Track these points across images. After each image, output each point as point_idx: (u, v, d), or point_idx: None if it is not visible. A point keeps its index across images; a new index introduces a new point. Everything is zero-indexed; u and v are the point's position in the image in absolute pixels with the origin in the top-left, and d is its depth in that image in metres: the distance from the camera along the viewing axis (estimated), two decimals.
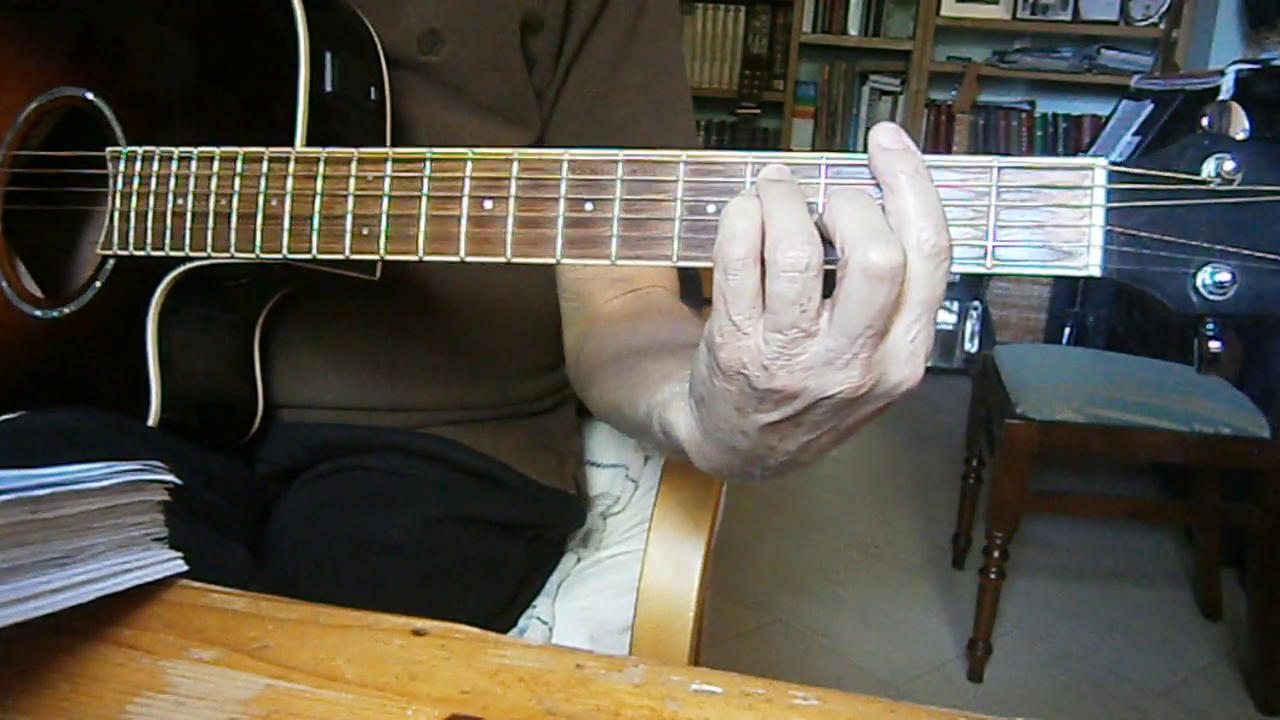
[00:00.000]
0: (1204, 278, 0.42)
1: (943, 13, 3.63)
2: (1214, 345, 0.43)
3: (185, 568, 0.49)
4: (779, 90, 3.83)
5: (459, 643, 0.45)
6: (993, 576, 1.83)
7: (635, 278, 0.76)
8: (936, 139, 3.77)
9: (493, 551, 0.76)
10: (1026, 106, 3.72)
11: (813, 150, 3.84)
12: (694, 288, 0.81)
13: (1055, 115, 3.69)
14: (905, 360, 0.43)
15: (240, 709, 0.41)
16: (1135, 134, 2.84)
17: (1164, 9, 3.39)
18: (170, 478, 0.48)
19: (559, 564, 0.86)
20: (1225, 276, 0.42)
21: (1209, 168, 0.42)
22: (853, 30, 3.78)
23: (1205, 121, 0.43)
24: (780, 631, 2.00)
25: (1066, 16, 3.56)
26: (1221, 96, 2.26)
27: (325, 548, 0.69)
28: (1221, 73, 2.29)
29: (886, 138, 0.45)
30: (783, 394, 0.44)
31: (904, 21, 3.75)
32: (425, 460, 0.77)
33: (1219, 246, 0.42)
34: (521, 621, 0.79)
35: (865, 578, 2.23)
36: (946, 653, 1.95)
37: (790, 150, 3.81)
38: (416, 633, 0.46)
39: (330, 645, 0.45)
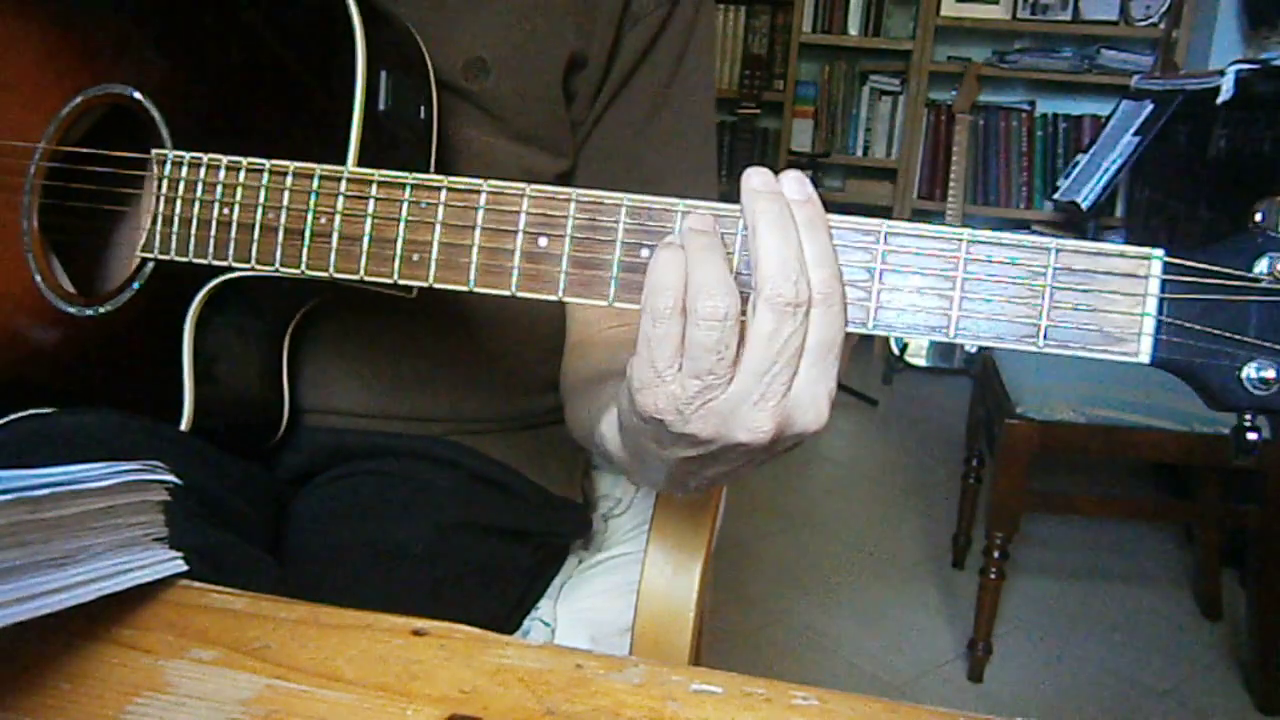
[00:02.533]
0: (1249, 372, 0.43)
1: (943, 13, 3.63)
2: (1251, 436, 0.45)
3: (185, 568, 0.49)
4: (779, 90, 3.83)
5: (459, 643, 0.45)
6: (993, 576, 1.83)
7: None
8: (936, 139, 3.77)
9: (501, 557, 0.76)
10: (1026, 106, 3.72)
11: (812, 150, 3.84)
12: None
13: (1055, 115, 3.69)
14: (810, 404, 0.46)
15: (240, 709, 0.41)
16: (1135, 134, 2.85)
17: (1164, 9, 3.39)
18: (171, 477, 0.48)
19: (561, 566, 0.86)
20: (1271, 374, 0.43)
21: (1261, 266, 0.43)
22: (853, 30, 3.78)
23: (1259, 217, 0.44)
24: (780, 631, 2.00)
25: (1066, 16, 3.56)
26: (1221, 97, 2.26)
27: (337, 551, 0.69)
28: (1221, 73, 2.30)
29: (791, 188, 0.46)
30: (695, 439, 0.46)
31: (904, 21, 3.75)
32: (439, 466, 0.77)
33: (1267, 344, 0.43)
34: (524, 624, 0.79)
35: (865, 578, 2.23)
36: (946, 653, 1.95)
37: (790, 151, 3.81)
38: (416, 633, 0.46)
39: (330, 645, 0.45)
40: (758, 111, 3.53)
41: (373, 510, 0.72)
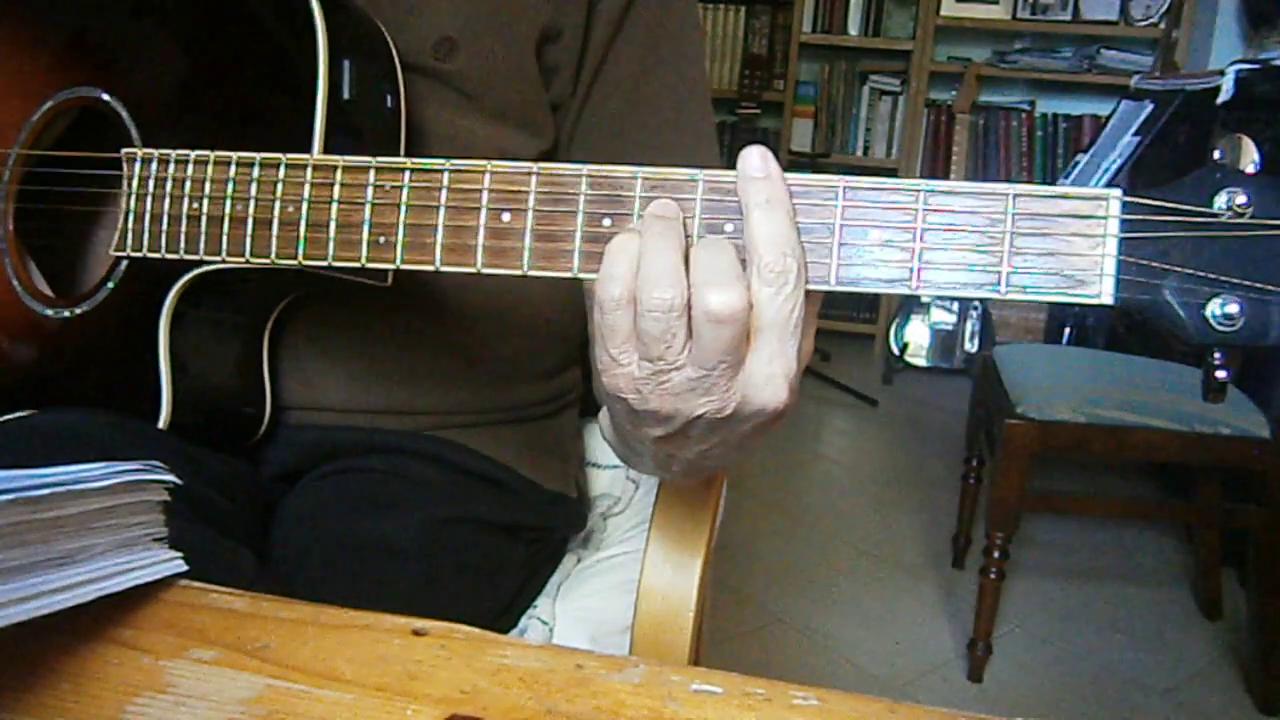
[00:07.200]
0: (1213, 309, 0.43)
1: (943, 13, 3.63)
2: (1221, 375, 0.44)
3: (185, 568, 0.49)
4: (779, 90, 3.83)
5: (459, 643, 0.45)
6: (993, 576, 1.83)
7: None
8: (936, 139, 3.77)
9: (494, 553, 0.76)
10: (1026, 106, 3.72)
11: (813, 150, 3.84)
12: None
13: (1055, 115, 3.69)
14: (765, 383, 0.46)
15: (240, 709, 0.41)
16: (1135, 134, 2.84)
17: (1164, 9, 3.39)
18: (170, 478, 0.48)
19: (560, 564, 0.86)
20: (1234, 308, 0.43)
21: (1220, 201, 0.43)
22: (853, 30, 3.78)
23: (1216, 154, 0.44)
24: (780, 631, 2.00)
25: (1066, 16, 3.56)
26: (1222, 97, 2.26)
27: (328, 549, 0.69)
28: (1221, 73, 2.29)
29: (751, 164, 0.47)
30: (658, 415, 0.47)
31: (904, 21, 3.75)
32: (428, 462, 0.77)
33: (1229, 279, 0.43)
34: (522, 622, 0.79)
35: (865, 578, 2.23)
36: (946, 653, 1.95)
37: (790, 151, 3.81)
38: (416, 633, 0.46)
39: (330, 645, 0.45)
40: (758, 111, 3.53)
41: (361, 507, 0.72)
